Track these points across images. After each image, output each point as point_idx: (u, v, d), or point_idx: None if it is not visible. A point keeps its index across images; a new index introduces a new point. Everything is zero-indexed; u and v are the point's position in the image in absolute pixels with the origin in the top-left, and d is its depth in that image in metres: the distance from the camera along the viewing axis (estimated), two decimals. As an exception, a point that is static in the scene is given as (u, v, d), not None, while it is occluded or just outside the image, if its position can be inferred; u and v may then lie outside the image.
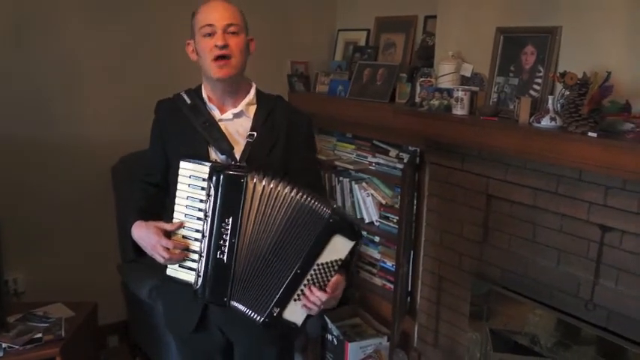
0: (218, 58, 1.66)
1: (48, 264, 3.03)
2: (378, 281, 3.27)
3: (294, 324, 1.64)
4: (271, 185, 1.58)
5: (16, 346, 2.29)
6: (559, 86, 2.20)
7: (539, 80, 2.34)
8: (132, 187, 1.95)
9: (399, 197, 2.83)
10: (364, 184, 3.34)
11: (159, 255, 1.62)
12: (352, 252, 1.60)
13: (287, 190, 1.58)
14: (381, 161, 3.23)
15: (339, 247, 1.58)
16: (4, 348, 2.29)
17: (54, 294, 2.85)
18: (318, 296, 1.59)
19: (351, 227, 1.59)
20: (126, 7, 3.09)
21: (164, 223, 1.64)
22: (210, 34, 1.67)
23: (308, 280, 1.60)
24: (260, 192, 1.58)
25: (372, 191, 3.30)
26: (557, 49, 2.27)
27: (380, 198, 3.26)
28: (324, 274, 1.60)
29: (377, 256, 3.29)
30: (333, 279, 1.60)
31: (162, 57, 3.18)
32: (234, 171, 1.60)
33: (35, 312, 2.55)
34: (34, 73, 2.92)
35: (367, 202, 3.32)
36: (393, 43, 3.32)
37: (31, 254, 2.99)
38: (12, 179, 2.73)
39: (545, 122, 2.16)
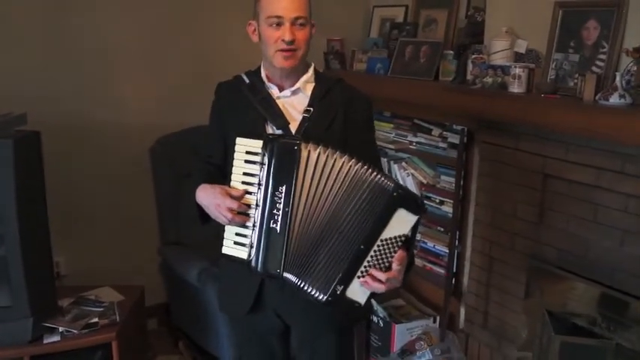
0: (284, 50, 1.65)
1: (87, 247, 3.00)
2: (418, 262, 3.22)
3: (358, 303, 1.59)
4: (327, 154, 1.56)
5: (74, 331, 2.26)
6: (624, 63, 2.14)
7: (602, 57, 2.27)
8: (194, 167, 1.93)
9: (454, 178, 2.77)
10: (404, 163, 3.29)
11: (222, 215, 1.59)
12: (415, 227, 1.57)
13: (344, 160, 1.56)
14: (423, 140, 3.17)
15: (402, 222, 1.54)
16: (62, 332, 2.26)
17: (93, 276, 2.81)
18: (380, 275, 1.54)
19: (415, 201, 1.56)
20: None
21: (229, 187, 1.62)
22: (277, 24, 1.64)
23: (371, 257, 1.55)
24: (315, 160, 1.56)
25: (412, 171, 3.24)
26: (624, 24, 2.20)
27: (421, 178, 3.20)
28: (387, 251, 1.55)
29: (417, 236, 3.24)
30: (398, 254, 1.56)
31: (198, 41, 3.11)
32: (288, 139, 1.60)
33: (87, 296, 2.53)
34: (71, 58, 2.87)
35: (407, 182, 3.26)
36: (434, 19, 3.24)
37: (71, 237, 2.95)
38: (51, 163, 2.67)
39: (614, 100, 2.10)
